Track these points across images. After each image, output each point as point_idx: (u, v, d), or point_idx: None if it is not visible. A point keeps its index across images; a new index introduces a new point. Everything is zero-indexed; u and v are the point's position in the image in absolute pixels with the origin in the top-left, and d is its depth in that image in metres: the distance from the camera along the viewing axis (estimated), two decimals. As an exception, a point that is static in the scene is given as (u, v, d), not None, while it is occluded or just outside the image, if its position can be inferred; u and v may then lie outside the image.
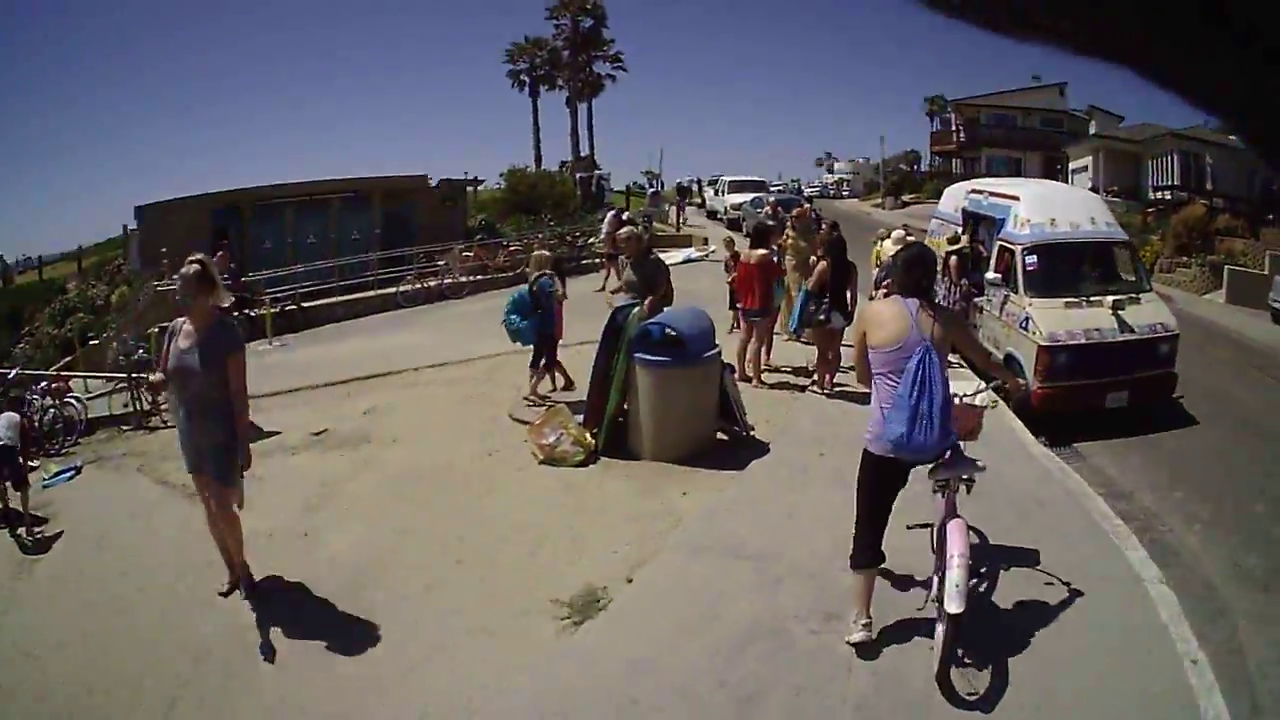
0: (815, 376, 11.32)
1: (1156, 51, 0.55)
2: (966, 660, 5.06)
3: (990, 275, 12.47)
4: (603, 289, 18.86)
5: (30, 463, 9.73)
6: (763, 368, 11.53)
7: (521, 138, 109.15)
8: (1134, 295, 11.72)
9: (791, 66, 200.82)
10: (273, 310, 20.39)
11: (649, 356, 8.30)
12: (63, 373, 15.26)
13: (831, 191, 66.22)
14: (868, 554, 5.14)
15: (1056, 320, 11.11)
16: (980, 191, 15.08)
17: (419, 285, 23.51)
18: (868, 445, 5.03)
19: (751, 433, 9.26)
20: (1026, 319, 11.42)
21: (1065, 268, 12.25)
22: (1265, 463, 10.51)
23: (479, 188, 37.59)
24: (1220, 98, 0.58)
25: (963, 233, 14.44)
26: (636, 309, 8.71)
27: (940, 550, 5.11)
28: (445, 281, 23.84)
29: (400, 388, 12.76)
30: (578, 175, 40.35)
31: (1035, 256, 11.94)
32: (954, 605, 4.60)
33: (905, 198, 55.82)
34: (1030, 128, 57.74)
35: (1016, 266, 11.98)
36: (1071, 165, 45.13)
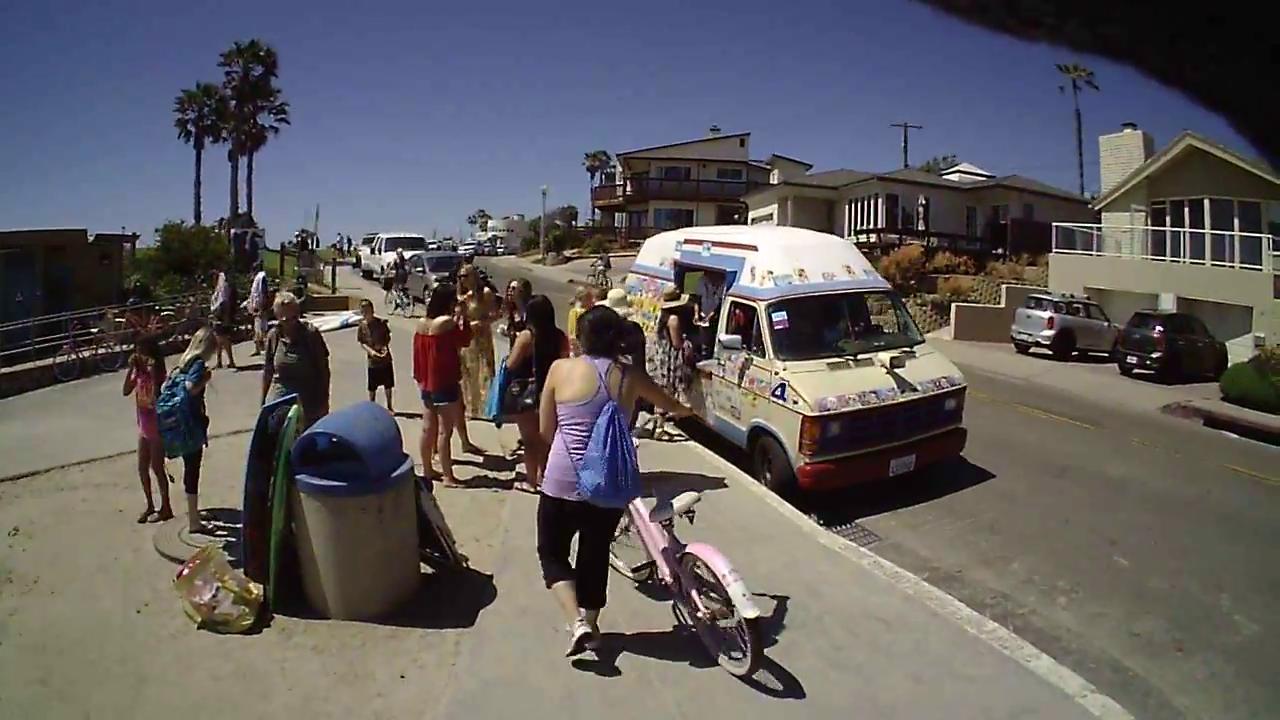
0: (524, 470, 9.86)
1: (1162, 51, 0.54)
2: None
3: (724, 336, 11.16)
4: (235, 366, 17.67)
5: None
6: (453, 459, 10.06)
7: (185, 191, 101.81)
8: (908, 349, 10.83)
9: (446, 125, 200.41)
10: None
11: (316, 481, 6.59)
12: None
13: (487, 248, 65.41)
14: (557, 568, 5.69)
15: (821, 385, 9.84)
16: (698, 241, 13.49)
17: (75, 355, 20.69)
18: (549, 490, 5.45)
19: (466, 563, 7.79)
20: (781, 387, 10.05)
21: (821, 324, 11.17)
22: (1090, 503, 10.33)
23: (136, 245, 34.82)
24: (1227, 97, 0.56)
25: (675, 289, 12.99)
26: (294, 408, 7.07)
27: (683, 577, 5.71)
28: (100, 351, 21.27)
29: (50, 493, 10.85)
30: (232, 232, 38.45)
31: (784, 313, 10.59)
32: (750, 610, 5.02)
33: (567, 253, 55.69)
34: (705, 179, 58.89)
35: (760, 326, 10.63)
36: (752, 214, 45.98)
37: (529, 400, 8.53)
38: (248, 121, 52.65)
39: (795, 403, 9.63)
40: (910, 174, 44.38)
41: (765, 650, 5.51)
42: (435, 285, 11.49)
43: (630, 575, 6.90)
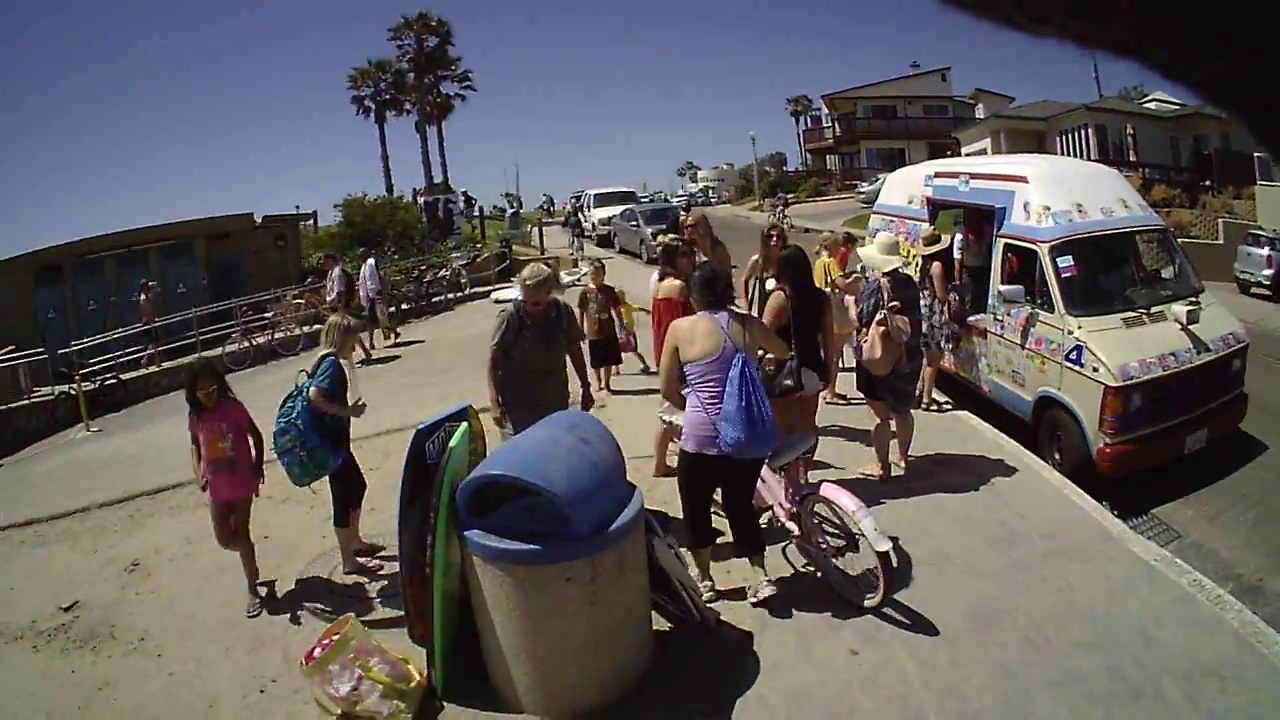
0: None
1: (1169, 50, 0.53)
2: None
3: (1003, 287, 8.95)
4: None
5: None
6: None
7: (374, 167, 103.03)
8: (1194, 300, 8.61)
9: (648, 75, 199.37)
10: (88, 387, 16.34)
11: (494, 544, 4.27)
12: None
13: (700, 199, 63.20)
14: (704, 534, 5.54)
15: (1121, 347, 7.92)
16: (952, 174, 11.15)
17: (245, 344, 19.00)
18: (689, 447, 5.20)
19: (716, 620, 5.48)
20: (1077, 349, 8.10)
21: (1108, 271, 9.19)
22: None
23: (318, 223, 33.19)
24: (1234, 95, 0.54)
25: (933, 229, 10.51)
26: (462, 428, 4.93)
27: (805, 519, 5.71)
28: (275, 337, 19.51)
29: (189, 511, 9.00)
30: (422, 200, 35.06)
31: (1070, 257, 8.56)
32: (882, 544, 5.01)
33: (786, 197, 52.91)
34: (912, 116, 56.27)
35: (1045, 273, 8.60)
36: (965, 150, 42.99)
37: (788, 382, 6.48)
38: (430, 92, 50.48)
39: (1095, 370, 7.86)
40: (1114, 103, 39.90)
41: None
42: (661, 240, 8.40)
43: None
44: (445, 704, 4.92)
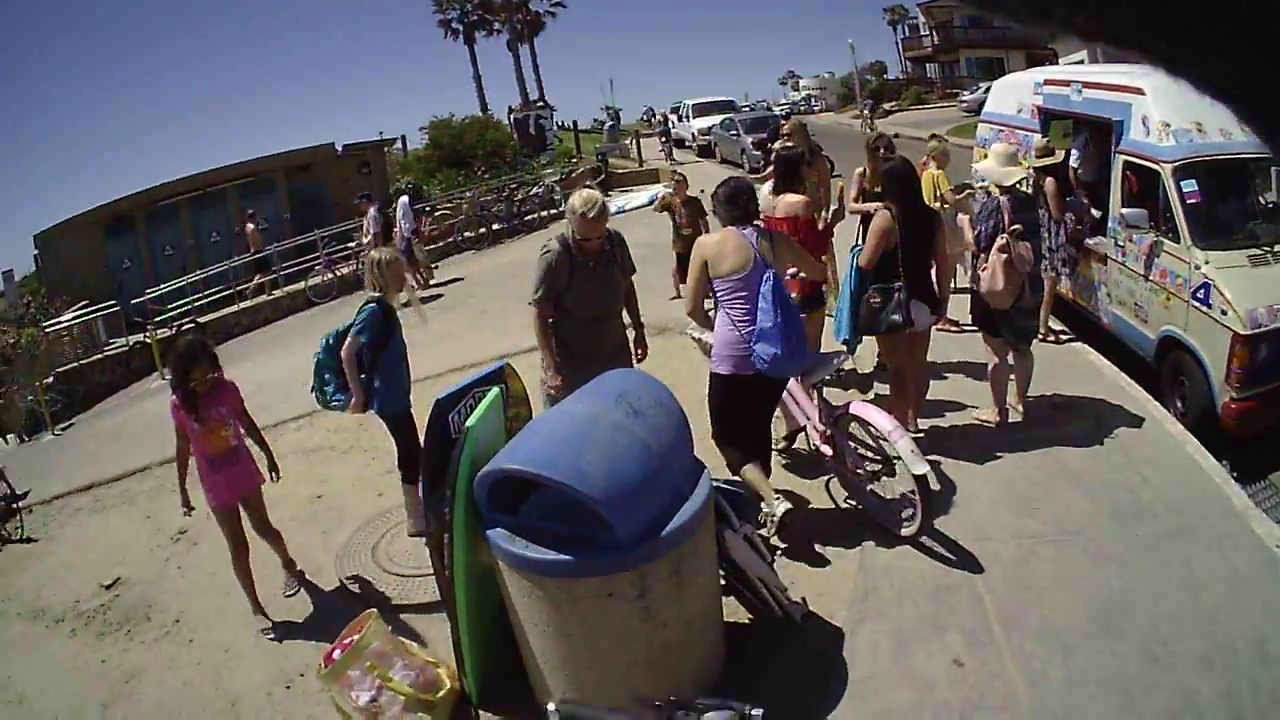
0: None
1: (1169, 42, 0.53)
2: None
3: (1125, 210, 7.73)
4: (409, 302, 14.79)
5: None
6: None
7: (465, 90, 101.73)
8: None
9: None
10: (162, 335, 16.21)
11: (518, 550, 3.39)
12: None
13: (803, 107, 61.49)
14: (745, 450, 5.21)
15: (1250, 289, 6.76)
16: (1063, 82, 10.03)
17: (330, 275, 18.54)
18: (723, 369, 5.04)
19: (804, 614, 4.60)
20: (1205, 287, 6.95)
21: (1231, 201, 7.81)
22: None
23: (406, 147, 32.56)
24: (1233, 88, 0.54)
25: (1047, 141, 9.19)
26: (491, 394, 4.14)
27: (838, 440, 5.43)
28: (359, 267, 18.64)
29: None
30: (513, 118, 33.43)
31: (1194, 181, 7.31)
32: (919, 466, 4.77)
33: (886, 106, 50.94)
34: (1010, 25, 54.89)
35: (1169, 197, 7.40)
36: (1062, 61, 40.56)
37: (896, 317, 5.73)
38: (520, 10, 48.78)
39: (1224, 313, 6.80)
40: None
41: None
42: (777, 148, 7.33)
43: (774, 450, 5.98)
44: (481, 712, 4.31)
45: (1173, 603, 4.51)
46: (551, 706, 2.06)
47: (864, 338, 6.42)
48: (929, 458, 5.14)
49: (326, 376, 5.84)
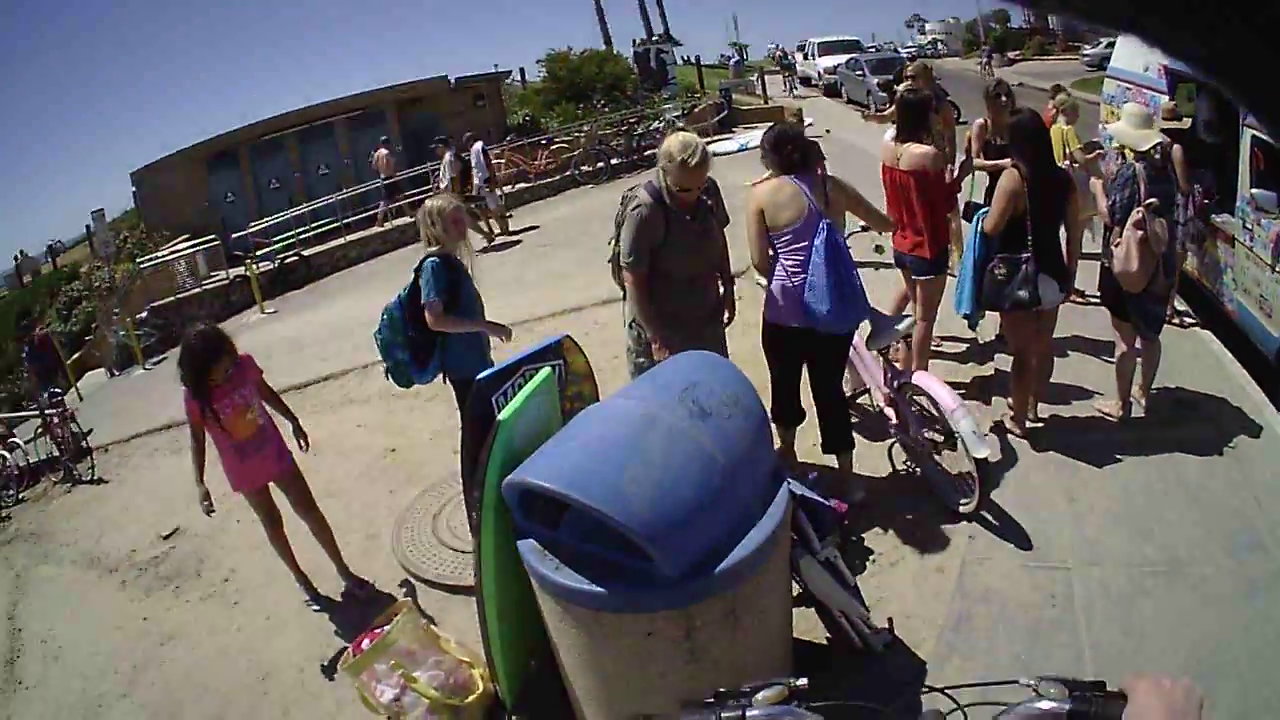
0: (1010, 407, 5.75)
1: (1165, 23, 0.52)
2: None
3: (1255, 191, 6.63)
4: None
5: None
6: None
7: (587, 25, 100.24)
8: None
9: None
10: (263, 269, 16.31)
11: (548, 573, 2.79)
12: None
13: (929, 51, 59.50)
14: (790, 412, 5.15)
15: None
16: None
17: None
18: (772, 318, 4.85)
19: (887, 641, 3.89)
20: None
21: None
22: None
23: (525, 80, 32.13)
24: (1228, 69, 0.54)
25: (1174, 104, 8.26)
26: (543, 375, 3.58)
27: (901, 407, 5.21)
28: (474, 203, 18.39)
29: (325, 413, 8.44)
30: (634, 50, 33.42)
31: None
32: (979, 451, 4.55)
33: (1011, 54, 48.53)
34: None
35: None
36: None
37: (1022, 293, 5.03)
38: None
39: None
40: None
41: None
42: (902, 91, 6.46)
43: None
44: (513, 718, 3.88)
45: (1269, 666, 3.74)
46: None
47: (985, 312, 5.63)
48: (1049, 453, 4.91)
49: (399, 354, 5.01)
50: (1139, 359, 5.52)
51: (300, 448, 5.28)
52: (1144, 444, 5.25)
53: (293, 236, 17.78)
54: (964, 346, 6.66)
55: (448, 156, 15.34)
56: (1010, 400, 5.62)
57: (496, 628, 3.36)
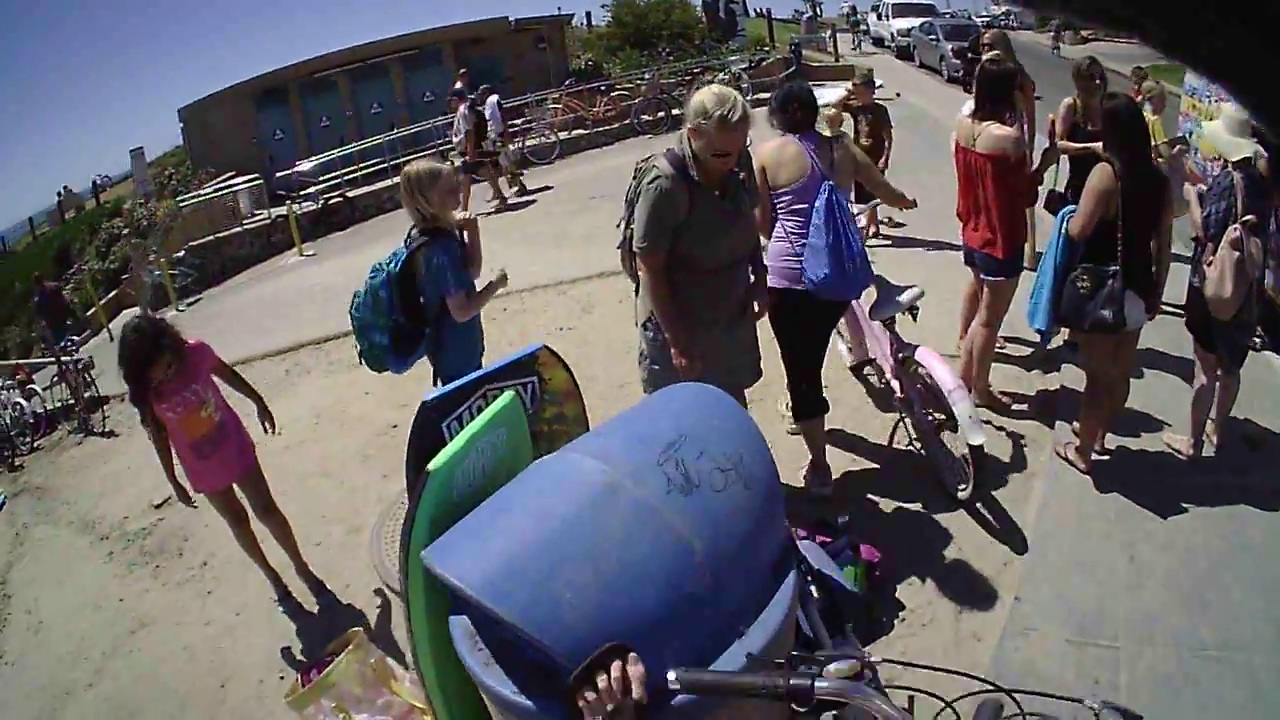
0: (1075, 434, 5.08)
1: (1163, 23, 0.52)
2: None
3: None
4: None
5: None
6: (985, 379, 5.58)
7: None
8: None
9: None
10: (306, 209, 16.08)
11: (475, 667, 2.16)
12: (21, 362, 12.52)
13: (1003, 22, 57.42)
14: (810, 401, 4.84)
15: None
16: None
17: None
18: (777, 284, 4.53)
19: None
20: None
21: None
22: None
23: (591, 23, 31.43)
24: (1227, 68, 0.54)
25: None
26: (492, 412, 2.73)
27: (905, 382, 5.01)
28: (528, 144, 17.85)
29: (341, 372, 8.20)
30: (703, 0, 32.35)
31: None
32: (975, 437, 4.39)
33: (1084, 32, 46.31)
34: None
35: None
36: None
37: (1105, 312, 4.31)
38: None
39: None
40: None
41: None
42: (985, 61, 5.67)
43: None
44: None
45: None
46: (672, 676, 1.83)
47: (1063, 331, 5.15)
48: (1112, 496, 4.38)
49: (376, 338, 4.43)
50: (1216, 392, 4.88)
51: (264, 429, 4.87)
52: (1211, 492, 4.55)
53: (338, 177, 17.44)
54: (1029, 351, 5.94)
55: (462, 109, 14.61)
56: (1076, 426, 4.93)
57: (443, 706, 2.92)
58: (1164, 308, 5.48)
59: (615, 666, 1.78)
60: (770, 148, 4.54)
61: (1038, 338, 5.29)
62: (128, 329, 4.31)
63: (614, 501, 2.12)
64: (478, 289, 4.38)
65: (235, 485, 4.66)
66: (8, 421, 9.51)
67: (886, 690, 1.69)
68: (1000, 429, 5.22)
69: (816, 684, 1.56)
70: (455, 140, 15.04)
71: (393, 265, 4.28)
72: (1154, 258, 4.38)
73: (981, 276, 5.28)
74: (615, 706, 1.74)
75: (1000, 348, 5.92)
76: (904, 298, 4.87)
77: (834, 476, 4.92)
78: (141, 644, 5.00)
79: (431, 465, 2.50)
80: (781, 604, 2.24)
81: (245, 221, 16.78)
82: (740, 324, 4.16)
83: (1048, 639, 3.68)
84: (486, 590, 1.97)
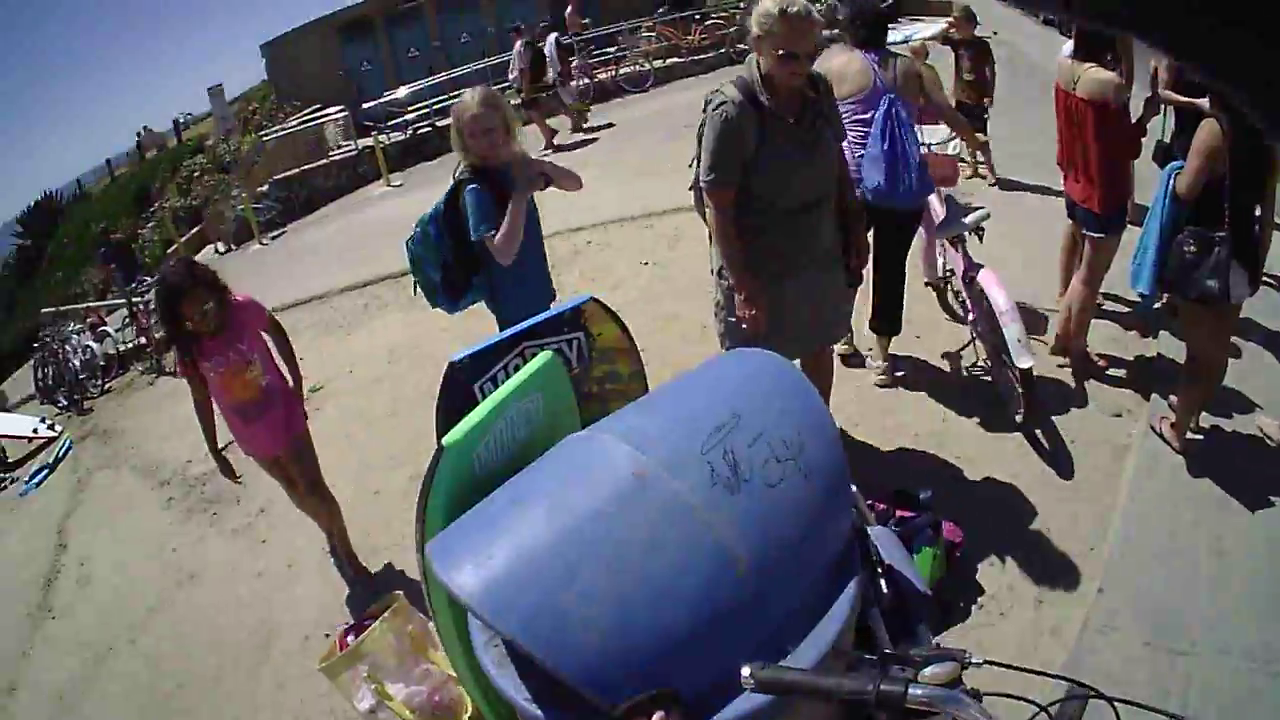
0: (1171, 410, 4.48)
1: (1163, 23, 0.50)
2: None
3: None
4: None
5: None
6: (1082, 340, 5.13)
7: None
8: None
9: None
10: (394, 139, 16.02)
11: (492, 670, 1.88)
12: (93, 304, 12.68)
13: None
14: (889, 318, 5.01)
15: None
16: None
17: (585, 81, 16.61)
18: None
19: None
20: None
21: None
22: None
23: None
24: (1227, 69, 0.51)
25: None
26: (529, 371, 2.48)
27: (973, 302, 5.01)
28: (620, 72, 17.33)
29: (420, 309, 7.71)
30: None
31: None
32: (1024, 360, 4.40)
33: None
34: None
35: None
36: None
37: (1212, 283, 3.80)
38: None
39: None
40: None
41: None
42: None
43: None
44: None
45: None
46: (746, 672, 1.60)
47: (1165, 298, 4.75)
48: (1203, 483, 3.96)
49: (430, 273, 4.07)
50: None
51: (300, 411, 4.39)
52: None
53: (427, 107, 17.18)
54: (1127, 311, 5.43)
55: (518, 46, 14.27)
56: (1173, 399, 4.45)
57: (474, 688, 2.67)
58: (1265, 280, 4.94)
59: (658, 717, 1.55)
60: (837, 61, 4.60)
61: (1138, 299, 5.04)
62: (166, 266, 4.15)
63: (643, 497, 1.80)
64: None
65: (284, 457, 4.32)
66: (77, 365, 9.67)
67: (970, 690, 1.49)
68: (1095, 398, 4.77)
69: (910, 690, 1.40)
70: (511, 78, 14.71)
71: (440, 202, 3.99)
72: (1252, 228, 3.87)
73: (1082, 231, 4.88)
74: None
75: (1098, 305, 5.44)
76: (969, 218, 5.02)
77: (910, 418, 4.83)
78: (191, 596, 4.95)
79: (447, 439, 2.21)
80: (838, 618, 1.88)
81: (331, 154, 16.76)
82: (827, 276, 3.74)
83: (1126, 640, 3.32)
84: (486, 602, 1.67)
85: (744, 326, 3.59)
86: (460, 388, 2.65)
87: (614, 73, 17.35)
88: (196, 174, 19.41)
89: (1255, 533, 3.80)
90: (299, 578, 4.71)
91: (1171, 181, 3.88)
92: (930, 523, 3.62)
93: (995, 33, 15.74)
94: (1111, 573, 3.63)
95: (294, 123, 18.12)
